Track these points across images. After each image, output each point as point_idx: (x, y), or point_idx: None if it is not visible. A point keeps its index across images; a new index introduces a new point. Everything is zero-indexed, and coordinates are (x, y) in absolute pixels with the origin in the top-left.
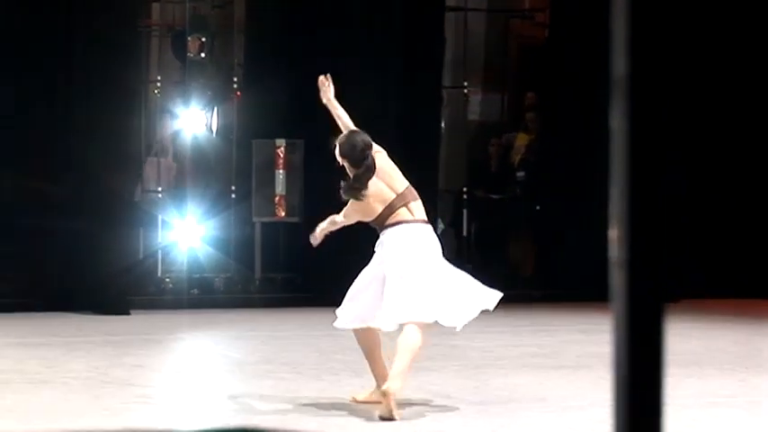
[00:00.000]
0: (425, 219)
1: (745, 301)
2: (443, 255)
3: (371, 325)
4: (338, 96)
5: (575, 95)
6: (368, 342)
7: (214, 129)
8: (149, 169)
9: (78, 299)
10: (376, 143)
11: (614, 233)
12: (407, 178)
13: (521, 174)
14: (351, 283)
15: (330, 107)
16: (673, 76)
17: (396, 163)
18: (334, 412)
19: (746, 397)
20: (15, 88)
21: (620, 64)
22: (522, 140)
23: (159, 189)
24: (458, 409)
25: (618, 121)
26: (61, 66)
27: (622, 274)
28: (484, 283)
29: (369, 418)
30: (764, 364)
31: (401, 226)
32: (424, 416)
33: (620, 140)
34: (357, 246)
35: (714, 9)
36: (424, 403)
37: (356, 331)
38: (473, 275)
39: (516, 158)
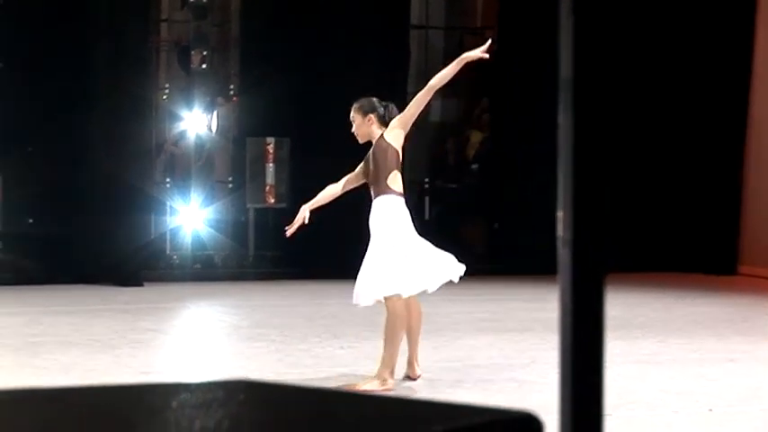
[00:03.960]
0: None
1: (663, 274)
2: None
3: None
4: (326, 97)
5: (520, 98)
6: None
7: (214, 129)
8: (159, 163)
9: (101, 273)
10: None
11: (560, 215)
12: None
13: (474, 166)
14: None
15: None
16: (610, 78)
17: None
18: (316, 368)
19: (666, 355)
20: (48, 97)
21: (566, 68)
22: (476, 137)
23: (168, 180)
24: (423, 366)
25: (564, 118)
26: (87, 76)
27: (567, 250)
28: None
29: (347, 373)
30: (681, 328)
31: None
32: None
33: (565, 134)
34: (335, 228)
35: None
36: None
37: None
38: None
39: (470, 153)
